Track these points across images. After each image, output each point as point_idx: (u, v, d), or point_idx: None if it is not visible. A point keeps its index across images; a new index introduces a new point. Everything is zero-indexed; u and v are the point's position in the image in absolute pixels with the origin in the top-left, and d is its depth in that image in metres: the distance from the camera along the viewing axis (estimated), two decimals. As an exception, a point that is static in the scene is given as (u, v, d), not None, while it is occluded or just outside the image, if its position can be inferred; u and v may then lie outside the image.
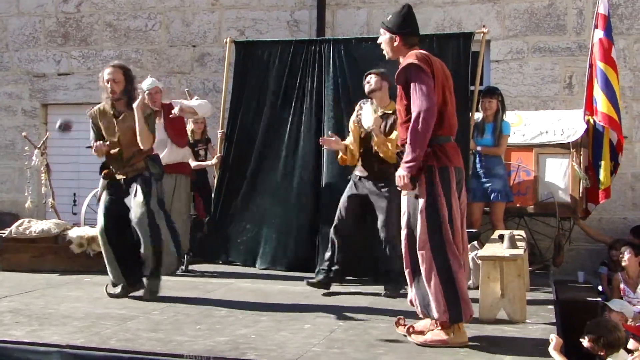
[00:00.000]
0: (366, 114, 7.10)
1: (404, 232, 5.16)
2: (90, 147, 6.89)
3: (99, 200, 6.95)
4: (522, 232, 7.42)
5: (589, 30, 9.21)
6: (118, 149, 6.71)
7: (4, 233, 8.49)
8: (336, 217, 7.19)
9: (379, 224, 7.04)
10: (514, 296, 5.77)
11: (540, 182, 8.74)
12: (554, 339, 4.92)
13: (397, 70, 5.18)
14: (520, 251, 6.09)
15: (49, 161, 10.04)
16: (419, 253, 5.03)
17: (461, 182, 5.25)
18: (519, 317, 5.76)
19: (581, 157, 8.62)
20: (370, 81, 7.16)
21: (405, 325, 5.37)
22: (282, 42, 9.22)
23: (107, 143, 6.71)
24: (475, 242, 7.57)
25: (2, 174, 12.39)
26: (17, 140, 12.00)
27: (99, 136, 6.80)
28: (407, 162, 4.94)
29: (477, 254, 6.86)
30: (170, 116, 8.16)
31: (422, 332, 5.21)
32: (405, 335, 5.24)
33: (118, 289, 6.79)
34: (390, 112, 7.04)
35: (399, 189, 5.14)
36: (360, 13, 10.81)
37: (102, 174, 6.86)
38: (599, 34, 8.49)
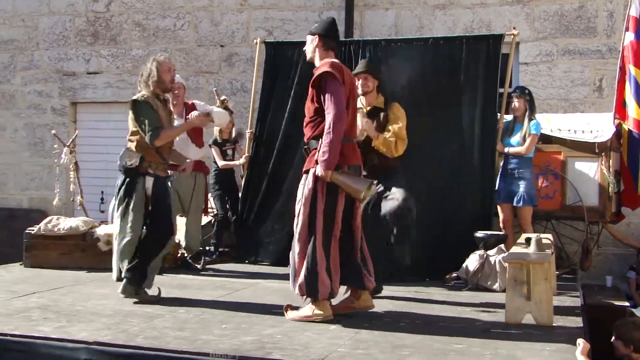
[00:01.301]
0: None
1: (296, 214, 5.83)
2: None
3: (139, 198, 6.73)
4: (549, 236, 7.37)
5: (620, 32, 9.13)
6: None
7: (33, 230, 8.55)
8: None
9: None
10: (541, 300, 5.72)
11: (568, 185, 8.67)
12: (581, 343, 4.88)
13: (313, 76, 5.77)
14: (547, 254, 6.05)
15: (78, 159, 10.12)
16: (298, 230, 5.76)
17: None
18: (546, 321, 5.72)
19: (610, 161, 8.54)
20: (369, 83, 7.12)
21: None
22: (311, 43, 9.22)
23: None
24: (501, 245, 7.54)
25: (31, 171, 12.51)
26: (47, 138, 12.12)
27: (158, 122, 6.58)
28: (324, 162, 5.58)
29: (503, 256, 6.84)
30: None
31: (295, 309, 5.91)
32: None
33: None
34: (381, 106, 7.10)
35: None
36: (389, 14, 10.80)
37: (148, 172, 6.62)
38: (630, 36, 8.42)
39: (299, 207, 5.79)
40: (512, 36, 8.31)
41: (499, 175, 8.24)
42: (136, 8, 12.01)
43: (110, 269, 8.03)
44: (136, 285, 6.46)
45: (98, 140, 12.18)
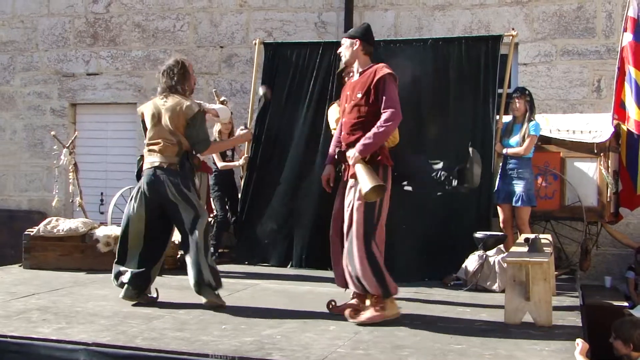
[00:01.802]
0: (331, 115, 7.39)
1: (346, 219, 5.81)
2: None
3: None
4: (548, 236, 7.38)
5: (619, 33, 9.13)
6: None
7: (32, 231, 8.55)
8: None
9: None
10: (540, 300, 5.73)
11: (567, 186, 8.67)
12: (580, 343, 4.89)
13: (370, 77, 5.82)
14: (546, 255, 6.06)
15: (77, 160, 10.11)
16: (354, 234, 5.70)
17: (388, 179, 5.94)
18: (545, 321, 5.73)
19: (609, 162, 8.55)
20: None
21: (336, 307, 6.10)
22: (310, 44, 9.28)
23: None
24: (501, 246, 7.55)
25: (30, 172, 12.52)
26: (46, 139, 12.12)
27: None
28: (363, 146, 5.67)
29: (502, 257, 6.84)
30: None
31: (359, 313, 5.85)
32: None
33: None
34: None
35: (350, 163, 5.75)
36: (388, 15, 10.80)
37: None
38: (629, 37, 8.41)
39: (352, 210, 5.77)
40: (511, 37, 8.33)
41: (498, 176, 8.25)
42: (136, 9, 12.02)
43: (109, 271, 8.06)
44: (140, 290, 6.46)
45: (97, 142, 12.19)
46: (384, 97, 5.72)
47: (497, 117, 8.30)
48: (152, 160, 6.30)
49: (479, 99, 8.37)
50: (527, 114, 8.18)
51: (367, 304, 5.98)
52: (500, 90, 8.38)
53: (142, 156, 6.72)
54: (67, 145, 9.89)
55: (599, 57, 10.03)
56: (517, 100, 8.20)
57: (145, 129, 6.47)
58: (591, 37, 10.07)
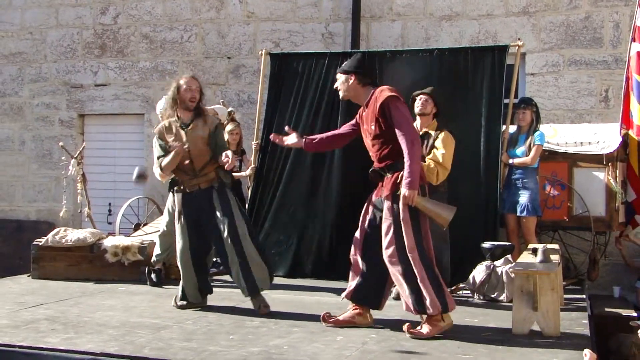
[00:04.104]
0: None
1: (390, 242, 5.74)
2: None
3: (177, 216, 6.86)
4: (556, 246, 7.36)
5: (626, 43, 9.13)
6: (189, 160, 6.67)
7: (41, 241, 8.58)
8: None
9: None
10: (548, 310, 5.72)
11: (575, 195, 8.65)
12: (588, 354, 4.88)
13: (373, 105, 5.79)
14: (554, 265, 6.05)
15: (85, 171, 10.14)
16: (409, 256, 5.63)
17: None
18: (553, 331, 5.71)
19: (617, 171, 8.53)
20: (426, 104, 7.39)
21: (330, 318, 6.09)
22: (316, 55, 9.28)
23: (186, 146, 6.62)
24: (508, 256, 7.53)
25: (39, 183, 12.56)
26: (54, 149, 12.17)
27: (165, 152, 6.69)
28: (410, 184, 5.60)
29: (510, 267, 6.83)
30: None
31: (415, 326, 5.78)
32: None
33: (185, 302, 6.82)
34: (432, 131, 7.31)
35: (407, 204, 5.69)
36: (395, 25, 10.82)
37: (175, 189, 6.80)
38: (637, 47, 8.42)
39: (396, 232, 5.73)
40: (517, 47, 8.33)
41: (503, 186, 8.24)
42: (143, 20, 12.07)
43: (116, 281, 8.10)
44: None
45: (105, 152, 12.23)
46: (394, 122, 5.70)
47: (504, 127, 8.29)
48: None
49: (485, 109, 8.36)
50: (533, 124, 8.19)
51: (365, 316, 6.04)
52: (506, 101, 8.38)
53: None
54: (75, 156, 9.92)
55: (606, 67, 10.02)
56: (523, 111, 8.22)
57: None
58: (599, 47, 10.06)
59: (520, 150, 8.16)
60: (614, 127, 8.75)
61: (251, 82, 11.21)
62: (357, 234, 6.09)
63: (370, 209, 6.03)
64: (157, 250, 8.18)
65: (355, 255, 6.08)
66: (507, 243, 7.89)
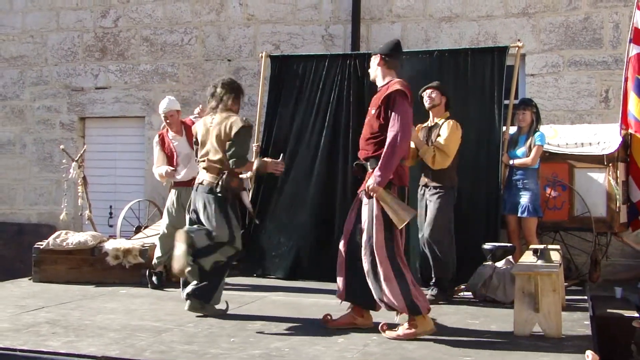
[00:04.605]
0: None
1: (364, 237, 5.78)
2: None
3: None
4: (557, 247, 7.36)
5: (626, 43, 9.12)
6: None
7: (42, 245, 8.58)
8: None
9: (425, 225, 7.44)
10: (549, 311, 5.72)
11: (576, 196, 8.65)
12: (590, 355, 4.88)
13: (383, 93, 5.83)
14: (555, 266, 6.04)
15: (86, 174, 10.15)
16: (377, 254, 5.67)
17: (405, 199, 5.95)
18: (554, 333, 5.71)
19: (617, 172, 8.52)
20: (432, 96, 7.56)
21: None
22: (316, 57, 9.29)
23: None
24: (510, 257, 7.53)
25: (40, 186, 12.56)
26: (55, 152, 12.17)
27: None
28: (379, 177, 5.63)
29: (511, 268, 6.83)
30: (192, 116, 8.62)
31: (393, 328, 5.79)
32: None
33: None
34: (441, 121, 7.45)
35: (370, 195, 5.73)
36: (395, 27, 10.82)
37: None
38: (637, 49, 8.42)
39: (368, 227, 5.76)
40: (517, 48, 8.34)
41: (504, 187, 8.25)
42: (144, 23, 12.07)
43: (117, 284, 8.10)
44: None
45: (106, 155, 12.23)
46: (392, 115, 5.72)
47: (504, 128, 8.30)
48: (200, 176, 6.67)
49: (485, 110, 8.38)
50: (533, 125, 8.21)
51: (364, 316, 6.07)
52: (506, 102, 8.38)
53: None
54: (76, 159, 9.93)
55: (606, 68, 10.01)
56: (523, 112, 8.23)
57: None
58: (598, 48, 10.06)
59: (520, 151, 8.16)
60: (614, 128, 8.74)
61: (251, 84, 11.21)
62: (344, 230, 6.10)
63: (357, 204, 6.03)
64: (157, 252, 8.19)
65: (340, 255, 6.06)
66: (508, 244, 7.88)
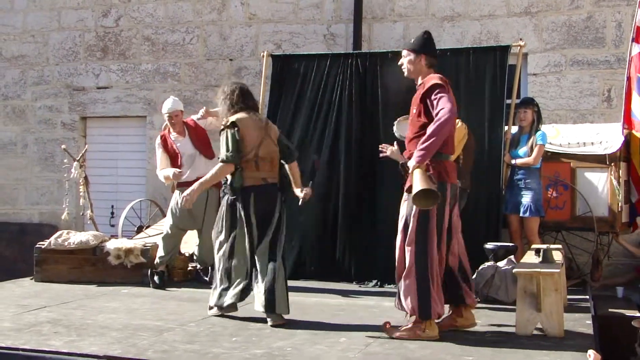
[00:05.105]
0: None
1: (400, 234, 5.72)
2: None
3: None
4: (559, 247, 7.35)
5: (628, 42, 9.11)
6: None
7: (43, 244, 8.58)
8: None
9: None
10: (551, 311, 5.71)
11: (578, 196, 8.64)
12: (592, 354, 4.87)
13: (422, 90, 5.73)
14: (557, 265, 6.04)
15: (88, 173, 10.16)
16: (406, 249, 5.61)
17: (456, 197, 5.93)
18: (556, 332, 5.70)
19: (620, 171, 8.51)
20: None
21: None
22: (318, 56, 9.27)
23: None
24: (512, 257, 7.52)
25: (41, 186, 12.56)
26: (57, 152, 12.16)
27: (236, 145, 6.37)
28: (419, 156, 5.47)
29: (513, 268, 6.82)
30: (193, 116, 8.52)
31: (396, 327, 5.73)
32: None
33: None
34: None
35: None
36: (397, 27, 10.81)
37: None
38: (638, 47, 8.41)
39: (404, 224, 5.68)
40: (519, 47, 8.32)
41: (506, 187, 8.24)
42: (145, 23, 12.07)
43: (119, 283, 8.11)
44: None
45: (108, 155, 12.23)
46: (436, 105, 5.57)
47: (506, 127, 8.29)
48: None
49: (487, 109, 8.36)
50: (535, 124, 8.20)
51: (464, 316, 5.95)
52: (508, 101, 8.37)
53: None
54: (77, 159, 9.94)
55: (609, 67, 10.01)
56: (524, 110, 8.22)
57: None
58: (601, 47, 10.05)
59: (522, 150, 8.16)
60: (616, 127, 8.73)
61: (253, 84, 11.16)
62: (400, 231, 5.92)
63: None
64: (160, 252, 8.18)
65: (402, 260, 5.85)
66: (510, 244, 7.88)
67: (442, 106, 5.49)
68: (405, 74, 6.00)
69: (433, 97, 5.59)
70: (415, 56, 5.87)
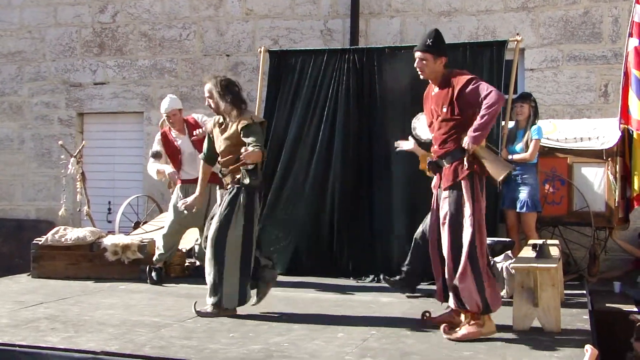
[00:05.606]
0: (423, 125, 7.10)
1: (446, 231, 5.62)
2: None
3: None
4: (556, 242, 7.35)
5: (625, 38, 9.12)
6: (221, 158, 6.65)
7: (40, 240, 8.57)
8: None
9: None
10: (548, 306, 5.72)
11: (575, 191, 8.65)
12: (589, 349, 4.86)
13: (458, 87, 5.67)
14: (554, 260, 6.04)
15: (85, 169, 10.15)
16: (463, 245, 5.51)
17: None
18: (553, 327, 5.71)
19: (617, 166, 8.51)
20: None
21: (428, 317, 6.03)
22: (315, 51, 9.26)
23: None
24: (509, 252, 7.53)
25: (38, 182, 12.56)
26: (54, 148, 12.17)
27: (211, 146, 6.77)
28: (474, 137, 5.50)
29: (510, 263, 6.82)
30: (193, 138, 8.25)
31: (454, 329, 5.62)
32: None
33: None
34: None
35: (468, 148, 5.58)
36: (394, 22, 10.81)
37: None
38: (634, 42, 8.40)
39: (451, 220, 5.61)
40: (516, 42, 8.32)
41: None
42: (142, 19, 12.06)
43: (116, 279, 8.09)
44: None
45: (105, 151, 12.22)
46: (479, 93, 5.55)
47: (503, 123, 8.29)
48: None
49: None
50: (531, 119, 8.20)
51: (461, 317, 5.78)
52: (505, 96, 8.36)
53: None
54: (74, 155, 9.92)
55: (605, 62, 10.01)
56: (521, 104, 8.22)
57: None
58: (598, 42, 10.05)
59: (518, 146, 8.15)
60: (613, 122, 8.73)
61: (250, 79, 11.20)
62: (429, 231, 5.98)
63: (436, 203, 5.87)
64: (159, 250, 8.17)
65: (434, 257, 5.88)
66: (507, 239, 7.88)
67: (490, 89, 5.53)
68: (422, 76, 5.93)
69: (472, 86, 5.60)
70: (435, 58, 5.81)
